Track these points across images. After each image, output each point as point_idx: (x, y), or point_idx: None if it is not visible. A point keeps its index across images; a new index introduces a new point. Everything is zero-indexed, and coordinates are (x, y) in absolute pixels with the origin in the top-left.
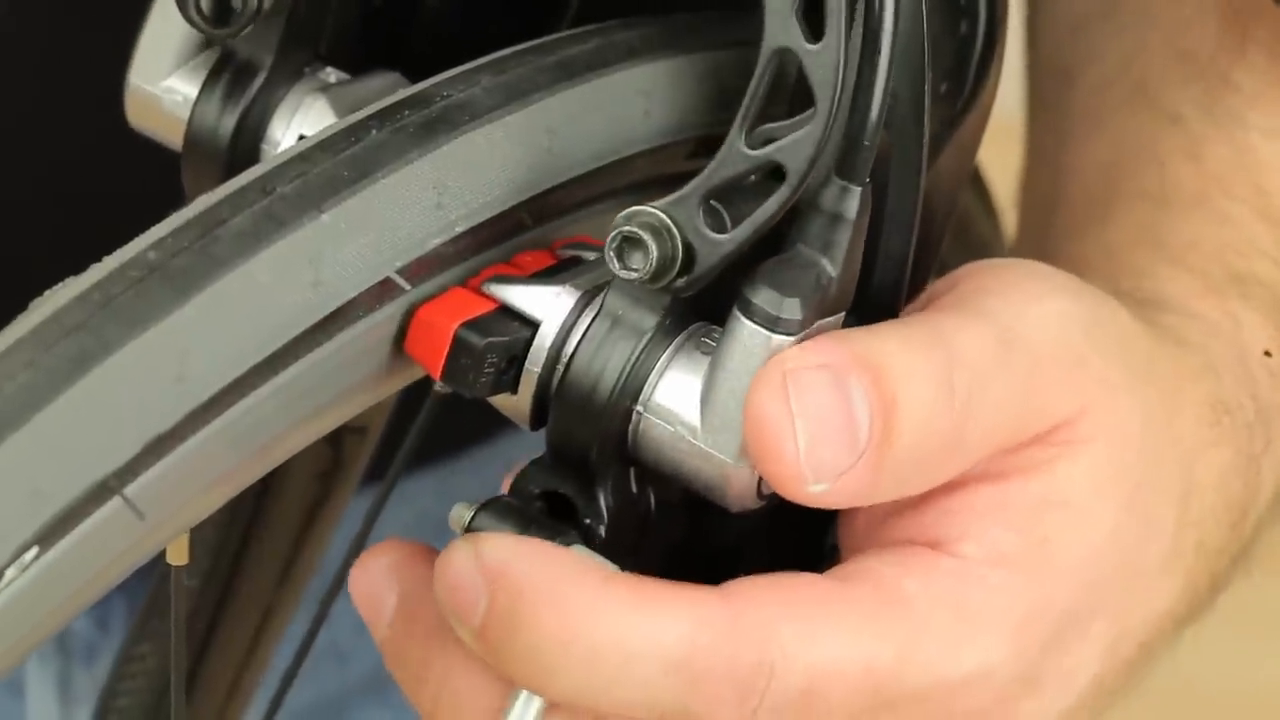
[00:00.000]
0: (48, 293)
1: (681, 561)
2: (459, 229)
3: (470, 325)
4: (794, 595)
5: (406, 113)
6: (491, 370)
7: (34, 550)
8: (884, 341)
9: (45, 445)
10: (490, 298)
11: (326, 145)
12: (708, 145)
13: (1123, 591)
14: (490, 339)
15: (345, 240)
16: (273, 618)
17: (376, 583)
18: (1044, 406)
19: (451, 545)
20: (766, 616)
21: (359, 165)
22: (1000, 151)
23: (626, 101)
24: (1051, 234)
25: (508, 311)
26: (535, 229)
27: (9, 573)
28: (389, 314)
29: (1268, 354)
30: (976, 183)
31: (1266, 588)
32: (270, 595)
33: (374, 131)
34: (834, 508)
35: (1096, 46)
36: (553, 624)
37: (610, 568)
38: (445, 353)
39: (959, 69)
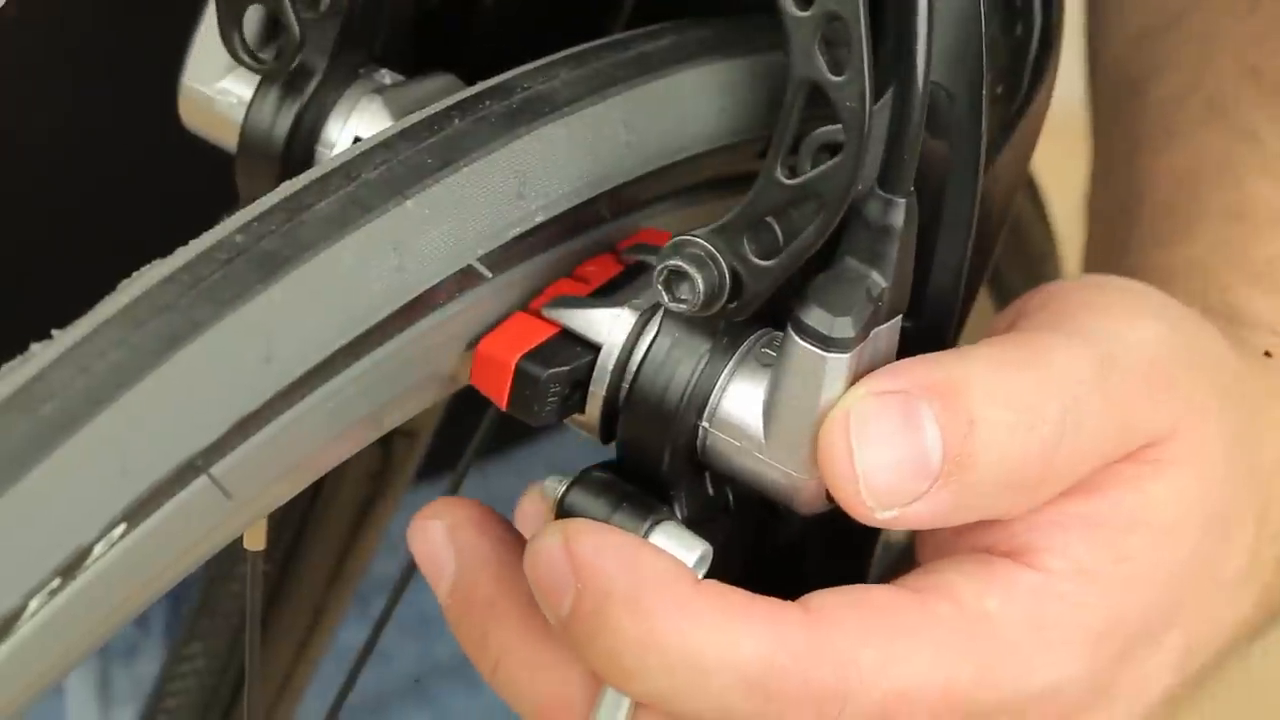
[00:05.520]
0: (136, 274)
1: (757, 553)
2: (539, 219)
3: (531, 356)
4: (874, 615)
5: (488, 103)
6: (555, 398)
7: (122, 527)
8: (969, 364)
9: (135, 422)
10: (551, 322)
11: (409, 133)
12: None
13: (1198, 605)
14: (551, 370)
15: (429, 227)
16: (323, 617)
17: (436, 546)
18: (1136, 427)
19: (544, 532)
20: (846, 639)
21: (442, 153)
22: (1053, 152)
23: (702, 98)
24: (1133, 243)
25: (568, 335)
26: (613, 221)
27: (97, 548)
28: (470, 303)
29: (1267, 354)
30: (1030, 188)
31: None
32: (321, 595)
33: (456, 121)
34: (914, 529)
35: (1164, 57)
36: (634, 631)
37: (700, 549)
38: (508, 386)
39: (1015, 70)
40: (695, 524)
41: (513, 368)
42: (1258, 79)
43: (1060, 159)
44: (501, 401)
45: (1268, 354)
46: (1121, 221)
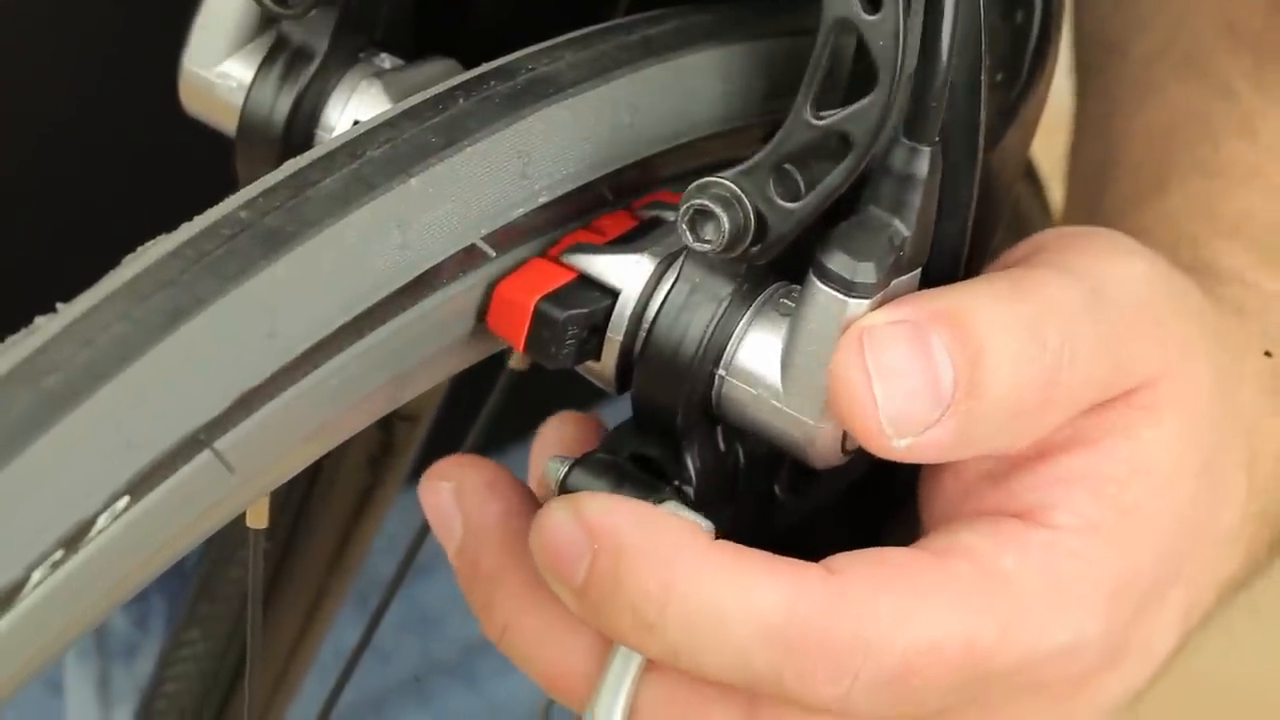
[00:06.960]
0: (140, 249)
1: (764, 532)
2: (542, 199)
3: (550, 298)
4: (895, 573)
5: (493, 83)
6: (573, 341)
7: (125, 500)
8: (971, 295)
9: (138, 396)
10: (569, 267)
11: (414, 113)
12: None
13: (1197, 559)
14: (570, 311)
15: (432, 205)
16: (322, 604)
17: (444, 506)
18: (1130, 363)
19: (549, 506)
20: (866, 592)
21: (447, 132)
22: (1053, 141)
23: (705, 82)
24: (1107, 202)
25: (587, 281)
26: (615, 203)
27: (101, 520)
28: (473, 283)
29: (1268, 354)
30: (1031, 176)
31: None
32: (320, 581)
33: (461, 101)
34: (925, 462)
35: (1143, 16)
36: (653, 583)
37: (705, 524)
38: (526, 326)
39: (1015, 58)
40: (698, 506)
41: (531, 309)
42: (1234, 35)
43: (1061, 149)
44: (519, 343)
45: (1268, 354)
46: (1097, 182)
